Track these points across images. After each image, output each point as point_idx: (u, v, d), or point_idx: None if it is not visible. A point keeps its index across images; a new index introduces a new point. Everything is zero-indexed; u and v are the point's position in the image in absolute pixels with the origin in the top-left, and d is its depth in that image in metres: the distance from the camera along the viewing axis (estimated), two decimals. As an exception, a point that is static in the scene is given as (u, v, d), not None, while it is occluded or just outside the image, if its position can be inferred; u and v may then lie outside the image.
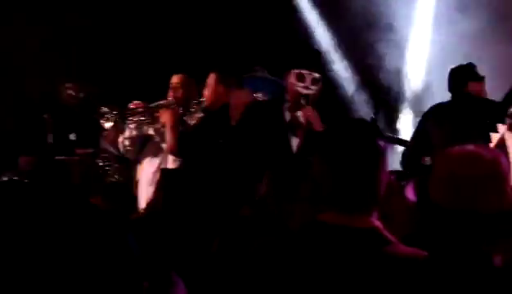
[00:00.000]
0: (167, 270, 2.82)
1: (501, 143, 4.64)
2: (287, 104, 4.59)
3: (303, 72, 4.56)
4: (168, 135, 5.09)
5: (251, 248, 2.10)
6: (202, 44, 7.36)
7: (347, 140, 2.06)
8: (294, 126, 4.60)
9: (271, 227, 2.62)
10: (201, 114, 5.24)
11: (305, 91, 4.58)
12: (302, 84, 4.58)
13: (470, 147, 2.13)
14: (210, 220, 3.62)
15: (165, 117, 5.14)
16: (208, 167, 4.70)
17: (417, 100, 7.84)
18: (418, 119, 5.39)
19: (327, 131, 1.85)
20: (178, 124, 5.14)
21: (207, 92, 5.14)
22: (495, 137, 4.68)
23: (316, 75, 4.57)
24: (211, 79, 5.10)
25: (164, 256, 2.99)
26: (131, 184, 5.45)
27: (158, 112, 5.24)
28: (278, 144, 4.53)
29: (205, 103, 5.18)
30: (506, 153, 4.58)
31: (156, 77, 5.96)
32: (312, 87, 4.56)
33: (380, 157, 2.05)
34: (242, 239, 2.81)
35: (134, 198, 5.23)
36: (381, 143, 2.08)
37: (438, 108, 5.11)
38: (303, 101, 4.54)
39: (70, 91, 6.24)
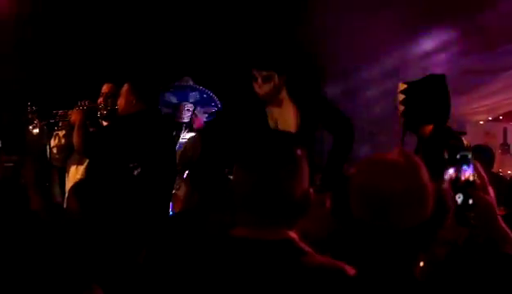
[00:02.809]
0: (89, 280, 2.80)
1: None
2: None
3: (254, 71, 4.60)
4: (75, 135, 5.09)
5: (171, 262, 2.08)
6: (132, 53, 7.36)
7: (263, 149, 2.02)
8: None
9: (195, 238, 2.62)
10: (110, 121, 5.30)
11: (258, 90, 4.59)
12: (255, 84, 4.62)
13: (391, 156, 1.93)
14: (135, 231, 3.61)
15: (74, 116, 5.16)
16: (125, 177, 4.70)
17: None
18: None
19: (246, 141, 1.82)
20: (86, 124, 5.13)
21: (119, 101, 5.16)
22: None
23: (264, 73, 4.58)
24: (124, 89, 5.13)
25: (88, 266, 2.97)
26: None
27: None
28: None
29: (118, 111, 5.20)
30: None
31: (87, 84, 5.94)
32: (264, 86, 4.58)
33: (298, 167, 2.00)
34: (171, 251, 2.79)
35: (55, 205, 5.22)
36: (300, 152, 2.00)
37: None
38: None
39: None
